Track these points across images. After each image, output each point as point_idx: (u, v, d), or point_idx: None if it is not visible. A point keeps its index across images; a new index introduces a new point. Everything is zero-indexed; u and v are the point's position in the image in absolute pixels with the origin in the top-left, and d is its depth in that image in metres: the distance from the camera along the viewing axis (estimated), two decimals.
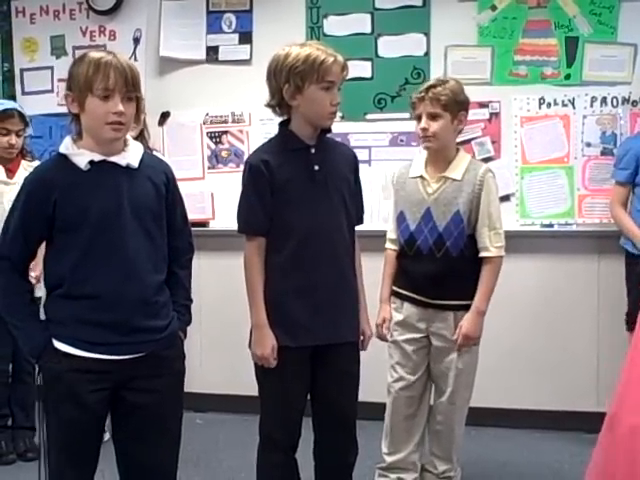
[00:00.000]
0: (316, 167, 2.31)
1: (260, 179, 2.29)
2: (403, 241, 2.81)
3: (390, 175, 2.96)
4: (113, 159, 2.01)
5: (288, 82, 2.25)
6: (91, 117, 1.97)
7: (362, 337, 2.45)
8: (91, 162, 1.99)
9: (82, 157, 1.99)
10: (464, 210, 2.72)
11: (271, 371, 2.31)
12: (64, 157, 2.01)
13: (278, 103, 2.31)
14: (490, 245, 2.74)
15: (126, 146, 2.06)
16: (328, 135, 2.40)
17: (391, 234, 2.90)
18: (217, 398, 3.94)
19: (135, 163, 2.04)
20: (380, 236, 2.96)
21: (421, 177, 2.79)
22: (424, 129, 2.72)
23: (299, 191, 2.29)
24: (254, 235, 2.32)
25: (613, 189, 3.50)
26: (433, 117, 2.70)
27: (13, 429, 3.46)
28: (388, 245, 2.92)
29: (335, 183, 2.34)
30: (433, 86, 2.72)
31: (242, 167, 2.42)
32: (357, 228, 2.47)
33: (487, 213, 2.74)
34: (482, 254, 2.75)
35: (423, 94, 2.72)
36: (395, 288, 2.87)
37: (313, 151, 2.33)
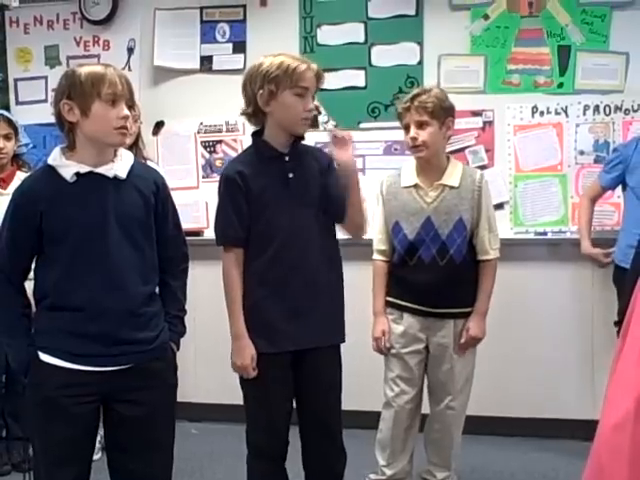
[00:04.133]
0: (290, 175, 2.33)
1: (236, 190, 2.30)
2: (403, 251, 2.77)
3: (378, 185, 2.89)
4: (100, 170, 2.00)
5: (262, 88, 2.28)
6: (98, 122, 1.96)
7: None
8: (77, 174, 1.98)
9: (68, 169, 1.98)
10: (467, 217, 2.73)
11: (253, 379, 2.31)
12: (52, 168, 2.00)
13: (253, 111, 2.33)
14: (489, 248, 2.76)
15: (116, 156, 2.05)
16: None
17: (380, 245, 2.84)
18: (212, 408, 3.92)
19: (123, 174, 2.03)
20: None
21: (415, 186, 2.78)
22: (413, 138, 2.71)
23: (274, 199, 2.30)
24: (231, 246, 2.33)
25: (592, 184, 3.51)
26: (421, 125, 2.70)
27: (7, 440, 3.43)
28: (377, 256, 2.87)
29: (310, 189, 2.35)
30: (417, 95, 2.72)
31: None
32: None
33: (486, 217, 2.76)
34: (482, 257, 2.77)
35: (409, 104, 2.72)
36: (392, 299, 2.82)
37: (287, 159, 2.34)
